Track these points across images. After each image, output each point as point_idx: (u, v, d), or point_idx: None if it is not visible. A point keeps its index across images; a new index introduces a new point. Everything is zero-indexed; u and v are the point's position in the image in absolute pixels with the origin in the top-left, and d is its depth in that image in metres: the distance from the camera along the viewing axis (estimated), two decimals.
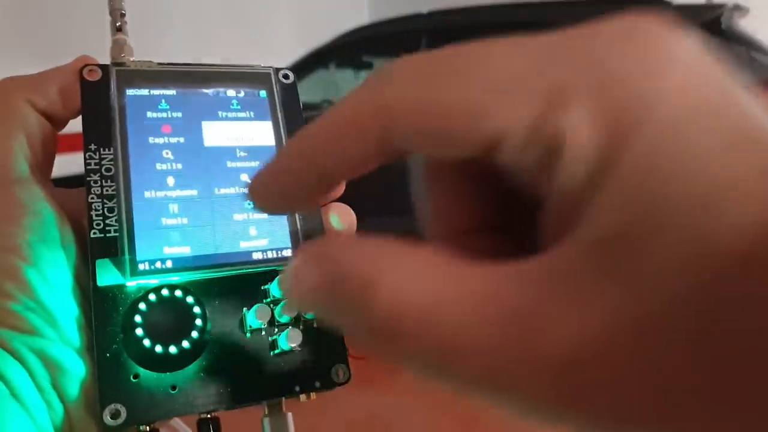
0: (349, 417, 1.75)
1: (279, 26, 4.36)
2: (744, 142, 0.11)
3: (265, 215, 0.26)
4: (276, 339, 0.24)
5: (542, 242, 0.14)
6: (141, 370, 0.22)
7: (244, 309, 0.24)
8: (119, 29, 0.27)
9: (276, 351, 0.24)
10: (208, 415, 0.23)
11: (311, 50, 2.74)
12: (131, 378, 0.22)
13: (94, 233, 0.23)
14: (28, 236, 0.22)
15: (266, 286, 0.25)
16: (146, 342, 0.22)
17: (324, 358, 0.25)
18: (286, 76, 0.29)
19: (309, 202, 0.16)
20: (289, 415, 0.24)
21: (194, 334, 0.23)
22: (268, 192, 0.16)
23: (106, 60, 0.27)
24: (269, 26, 4.29)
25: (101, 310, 0.23)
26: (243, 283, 0.25)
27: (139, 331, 0.22)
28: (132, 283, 0.23)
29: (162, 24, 3.56)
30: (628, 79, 0.12)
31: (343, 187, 0.27)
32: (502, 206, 0.16)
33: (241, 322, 0.24)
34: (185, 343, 0.23)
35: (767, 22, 2.26)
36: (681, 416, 0.11)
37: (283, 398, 0.24)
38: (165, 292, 0.23)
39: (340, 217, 0.27)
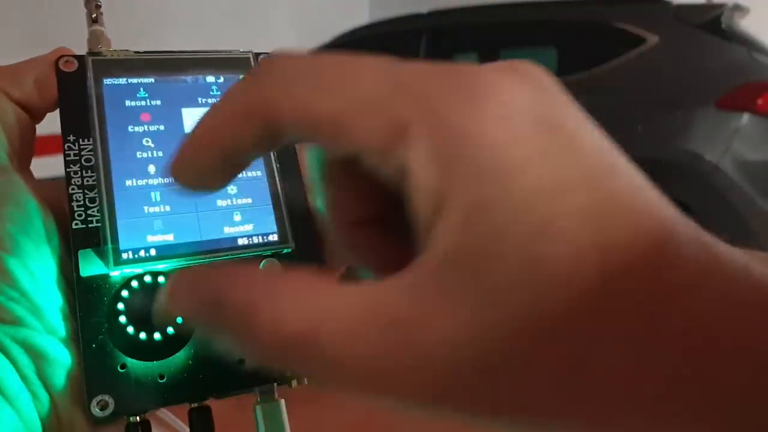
0: (349, 417, 1.75)
1: (279, 26, 4.36)
2: (565, 187, 0.14)
3: (248, 200, 0.26)
4: None
5: (415, 240, 0.15)
6: (128, 360, 0.22)
7: None
8: (95, 20, 0.27)
9: None
10: (199, 404, 0.23)
11: (311, 50, 2.74)
12: (118, 368, 0.22)
13: (76, 224, 0.23)
14: (10, 226, 0.22)
15: None
16: (130, 329, 0.22)
17: None
18: None
19: (220, 181, 0.18)
20: (282, 401, 0.24)
21: (179, 319, 0.22)
22: (187, 172, 0.17)
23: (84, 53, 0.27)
24: (269, 26, 4.29)
25: (85, 301, 0.22)
26: None
27: (122, 319, 0.22)
28: (116, 273, 0.23)
29: (161, 24, 3.55)
30: (463, 133, 0.14)
31: None
32: (388, 201, 0.18)
33: None
34: (170, 330, 0.22)
35: (767, 22, 2.26)
36: (527, 410, 0.14)
37: (275, 384, 0.24)
38: (147, 278, 0.23)
39: None
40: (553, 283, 0.13)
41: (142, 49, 0.27)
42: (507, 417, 0.14)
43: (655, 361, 0.13)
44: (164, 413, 0.29)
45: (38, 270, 0.22)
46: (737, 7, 2.10)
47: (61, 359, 0.21)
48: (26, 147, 0.25)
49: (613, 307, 0.13)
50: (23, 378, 0.20)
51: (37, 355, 0.21)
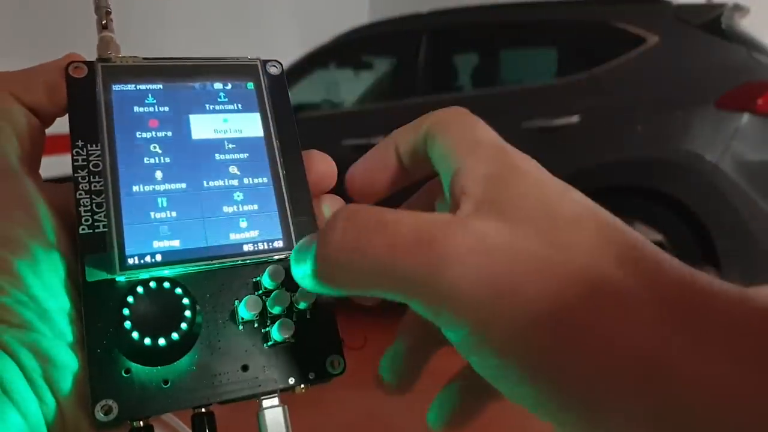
0: (349, 417, 1.75)
1: (279, 26, 4.36)
2: (565, 188, 0.21)
3: (254, 206, 0.26)
4: (269, 331, 0.24)
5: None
6: (132, 365, 0.22)
7: (236, 301, 0.24)
8: (105, 27, 0.27)
9: (269, 343, 0.24)
10: (203, 410, 0.23)
11: (311, 50, 2.74)
12: (123, 373, 0.22)
13: (83, 229, 0.23)
14: (20, 229, 0.22)
15: (257, 278, 0.25)
16: (135, 334, 0.22)
17: (318, 350, 0.25)
18: (273, 68, 0.29)
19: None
20: (285, 407, 0.24)
21: (183, 325, 0.22)
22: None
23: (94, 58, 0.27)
24: (270, 26, 4.29)
25: (91, 306, 0.22)
26: (234, 276, 0.25)
27: (127, 324, 0.22)
28: (121, 278, 0.23)
29: (162, 25, 3.56)
30: (511, 164, 0.21)
31: (335, 179, 0.28)
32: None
33: (233, 315, 0.24)
34: (174, 335, 0.22)
35: (767, 22, 2.26)
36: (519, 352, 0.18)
37: (278, 390, 0.24)
38: (153, 284, 0.23)
39: (332, 208, 0.27)
40: (567, 221, 0.19)
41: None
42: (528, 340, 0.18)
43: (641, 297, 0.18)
44: (168, 417, 0.29)
45: (47, 274, 0.22)
46: (737, 7, 2.10)
47: (68, 363, 0.21)
48: (36, 151, 0.25)
49: (611, 254, 0.18)
50: (30, 381, 0.21)
51: (44, 359, 0.21)
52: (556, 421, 0.18)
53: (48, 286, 0.22)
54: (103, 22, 0.27)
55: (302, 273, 0.21)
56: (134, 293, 0.23)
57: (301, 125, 0.28)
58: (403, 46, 2.58)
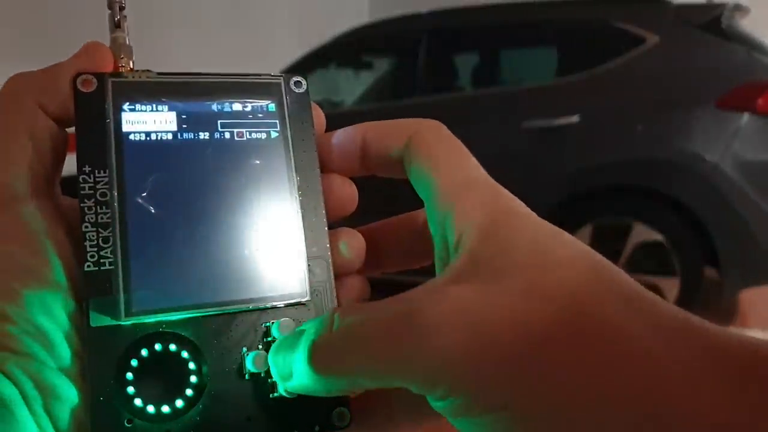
0: None
1: (279, 26, 4.37)
2: (557, 239, 0.21)
3: (268, 248, 0.24)
4: (275, 382, 0.23)
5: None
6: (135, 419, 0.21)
7: (244, 349, 0.23)
8: (118, 25, 0.25)
9: (275, 395, 0.23)
10: None
11: (311, 50, 2.74)
12: (125, 423, 0.21)
13: (88, 266, 0.22)
14: (30, 259, 0.21)
15: (267, 324, 0.24)
16: (138, 401, 0.21)
17: (324, 402, 0.23)
18: (297, 84, 0.27)
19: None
20: None
21: (189, 391, 0.22)
22: None
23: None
24: (270, 26, 4.29)
25: (95, 353, 0.21)
26: (243, 321, 0.23)
27: (130, 389, 0.21)
28: (127, 323, 0.22)
29: (164, 24, 3.56)
30: (505, 211, 0.22)
31: (356, 204, 0.27)
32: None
33: (240, 365, 0.23)
34: (179, 403, 0.22)
35: (767, 22, 2.26)
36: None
37: None
38: (158, 346, 0.22)
39: (348, 244, 0.26)
40: (558, 263, 0.19)
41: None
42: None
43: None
44: None
45: (54, 305, 0.21)
46: (737, 7, 2.11)
47: (69, 397, 0.21)
48: (56, 165, 0.24)
49: (603, 293, 0.18)
50: (31, 411, 0.20)
51: (46, 390, 0.21)
52: None
53: (55, 318, 0.21)
54: (116, 19, 0.25)
55: (289, 366, 0.21)
56: (138, 356, 0.22)
57: None
58: (403, 46, 2.58)
